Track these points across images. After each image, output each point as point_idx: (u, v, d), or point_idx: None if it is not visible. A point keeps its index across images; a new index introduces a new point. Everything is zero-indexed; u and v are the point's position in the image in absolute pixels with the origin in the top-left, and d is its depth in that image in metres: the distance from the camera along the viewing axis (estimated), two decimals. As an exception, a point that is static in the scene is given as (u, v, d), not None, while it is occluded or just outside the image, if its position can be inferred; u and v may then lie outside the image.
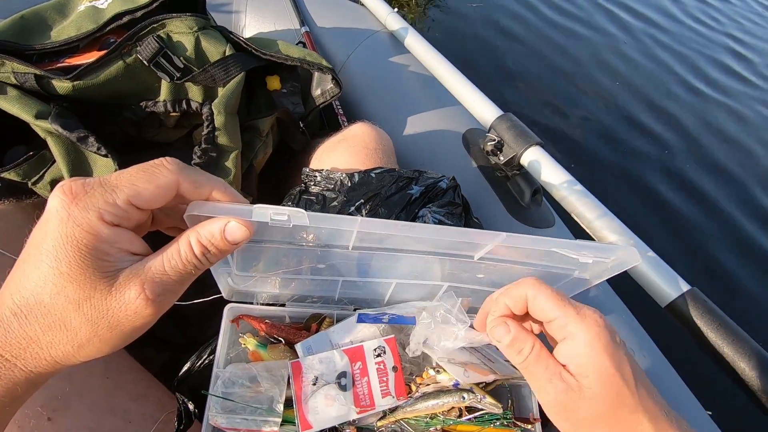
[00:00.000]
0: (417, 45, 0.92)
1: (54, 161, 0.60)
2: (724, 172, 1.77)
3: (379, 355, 0.43)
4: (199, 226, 0.26)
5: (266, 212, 0.27)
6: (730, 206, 1.65)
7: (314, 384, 0.41)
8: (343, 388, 0.41)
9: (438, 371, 0.45)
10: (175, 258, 0.25)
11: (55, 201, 0.23)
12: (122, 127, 0.68)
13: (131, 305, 0.24)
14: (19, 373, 0.24)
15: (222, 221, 0.26)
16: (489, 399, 0.43)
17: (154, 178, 0.24)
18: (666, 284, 0.54)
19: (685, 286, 0.54)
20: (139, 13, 0.61)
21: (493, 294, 0.34)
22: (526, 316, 0.33)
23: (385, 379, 0.42)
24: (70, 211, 0.23)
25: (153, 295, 0.24)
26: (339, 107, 0.87)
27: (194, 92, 0.63)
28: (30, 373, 0.24)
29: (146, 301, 0.24)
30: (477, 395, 0.43)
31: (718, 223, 1.59)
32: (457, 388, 0.44)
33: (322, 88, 0.71)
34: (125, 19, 0.61)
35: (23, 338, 0.23)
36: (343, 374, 0.42)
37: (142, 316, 0.24)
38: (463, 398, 0.42)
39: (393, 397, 0.41)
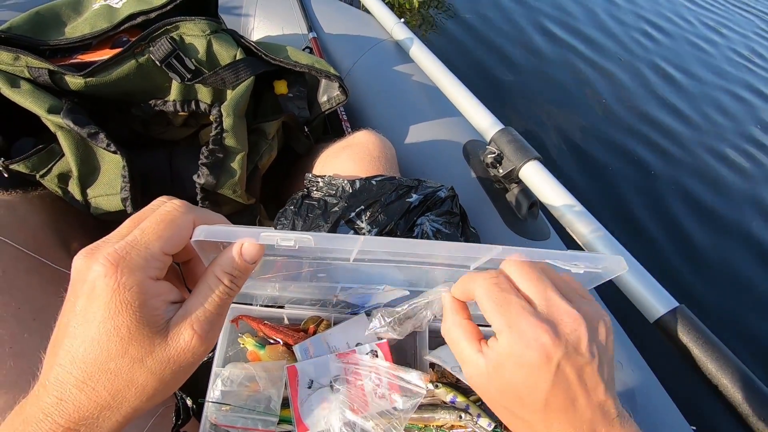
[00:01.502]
0: (422, 55, 0.94)
1: (63, 155, 0.61)
2: (715, 190, 1.80)
3: (372, 359, 0.45)
4: (218, 259, 0.28)
5: (273, 237, 0.28)
6: (720, 225, 1.68)
7: (309, 387, 0.42)
8: (338, 391, 0.42)
9: (436, 386, 0.46)
10: (210, 294, 0.27)
11: (98, 271, 0.23)
12: (130, 124, 0.69)
13: (188, 348, 0.25)
14: None
15: (236, 246, 0.27)
16: (484, 418, 0.44)
17: (174, 223, 0.26)
18: (654, 300, 0.56)
19: (672, 303, 0.56)
20: (153, 14, 0.62)
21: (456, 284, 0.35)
22: None
23: (378, 382, 0.44)
24: (119, 279, 0.23)
25: (203, 332, 0.26)
26: (343, 113, 0.89)
27: (203, 93, 0.65)
28: None
29: (200, 339, 0.25)
30: (473, 416, 0.44)
31: (708, 242, 1.61)
32: (453, 406, 0.45)
33: (328, 94, 0.73)
34: (139, 19, 0.63)
35: (94, 407, 0.24)
36: (337, 378, 0.43)
37: (199, 354, 0.26)
38: (460, 417, 0.44)
39: (387, 399, 0.42)
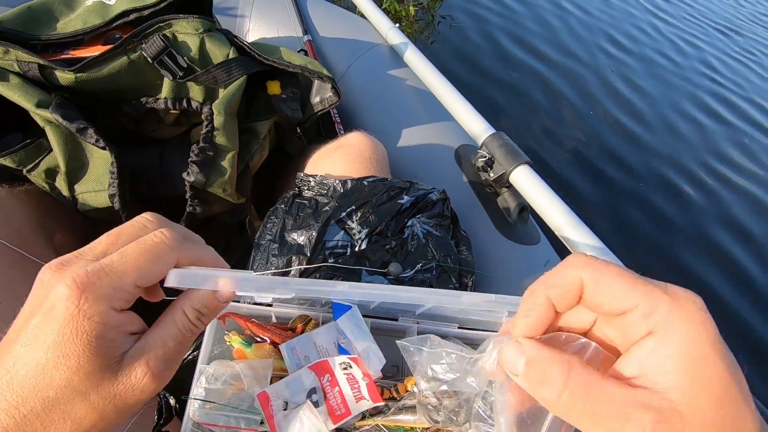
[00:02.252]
0: (416, 60, 0.94)
1: (51, 150, 0.60)
2: (708, 197, 1.82)
3: (346, 368, 0.43)
4: (190, 293, 0.26)
5: (251, 282, 0.26)
6: (709, 237, 1.70)
7: (285, 409, 0.40)
8: (316, 403, 0.41)
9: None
10: (173, 329, 0.25)
11: (61, 292, 0.22)
12: (120, 120, 0.69)
13: (138, 385, 0.23)
14: None
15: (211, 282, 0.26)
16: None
17: (157, 258, 0.24)
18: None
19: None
20: (146, 12, 0.62)
21: (531, 286, 0.23)
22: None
23: (356, 386, 0.42)
24: (80, 305, 0.22)
25: (158, 370, 0.24)
26: (336, 115, 0.89)
27: (195, 92, 0.65)
28: None
29: (153, 378, 0.24)
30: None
31: (699, 251, 1.63)
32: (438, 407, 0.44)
33: (321, 96, 0.73)
34: (132, 16, 0.63)
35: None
36: (313, 390, 0.41)
37: (148, 393, 0.24)
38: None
39: (368, 400, 0.42)
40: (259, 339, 0.46)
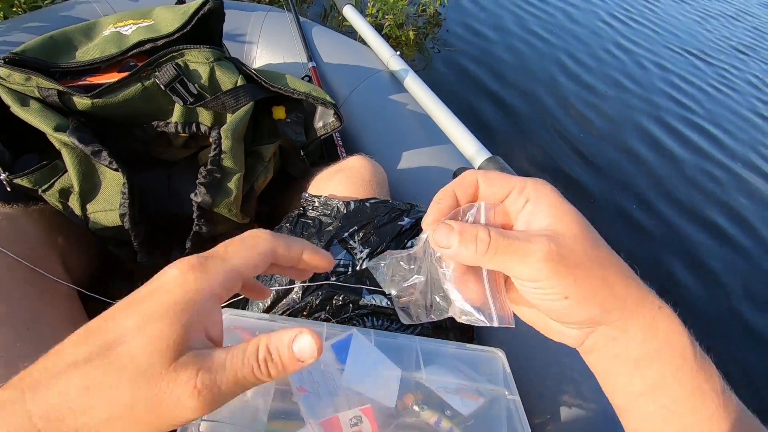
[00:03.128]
0: (415, 86, 0.98)
1: (65, 171, 0.63)
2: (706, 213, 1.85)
3: (355, 424, 0.42)
4: (274, 333, 0.24)
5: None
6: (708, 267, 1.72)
7: None
8: None
9: (422, 408, 0.46)
10: (238, 356, 0.22)
11: (172, 272, 0.23)
12: (131, 143, 0.72)
13: (179, 387, 0.21)
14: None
15: (294, 332, 0.23)
16: None
17: (255, 247, 0.26)
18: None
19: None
20: (161, 42, 0.66)
21: (442, 188, 0.29)
22: None
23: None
24: (186, 278, 0.23)
25: (201, 385, 0.21)
26: (339, 139, 0.92)
27: (204, 117, 0.68)
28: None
29: (193, 389, 0.21)
30: None
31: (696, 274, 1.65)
32: (438, 429, 0.45)
33: (324, 120, 0.76)
34: (147, 46, 0.66)
35: (58, 390, 0.21)
36: None
37: (184, 406, 0.21)
38: None
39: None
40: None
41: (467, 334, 0.61)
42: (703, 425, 0.26)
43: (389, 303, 0.56)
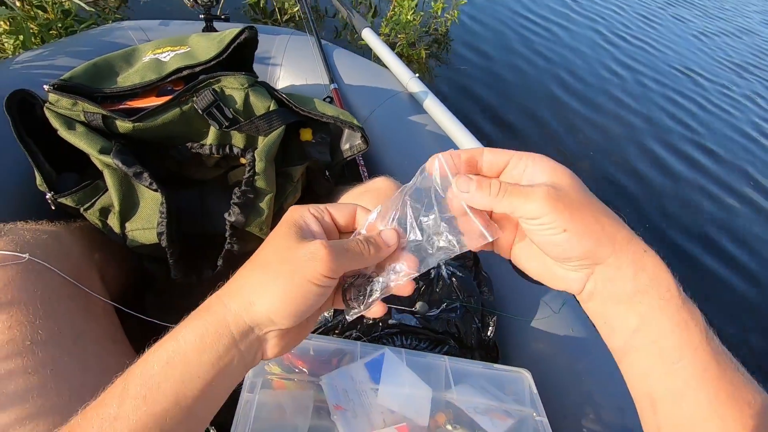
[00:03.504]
0: (434, 107, 1.01)
1: (106, 191, 0.66)
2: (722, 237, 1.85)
3: None
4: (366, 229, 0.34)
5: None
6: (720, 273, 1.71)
7: None
8: None
9: (455, 428, 0.48)
10: (347, 239, 0.33)
11: (290, 209, 0.33)
12: (166, 164, 0.75)
13: (312, 251, 0.29)
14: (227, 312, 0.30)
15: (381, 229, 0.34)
16: None
17: (346, 205, 0.35)
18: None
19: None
20: (198, 69, 0.69)
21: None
22: None
23: None
24: (292, 209, 0.33)
25: (328, 246, 0.30)
26: (361, 159, 0.95)
27: (237, 139, 0.71)
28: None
29: (323, 247, 0.29)
30: None
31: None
32: None
33: (351, 143, 0.79)
34: (185, 72, 0.70)
35: (239, 285, 0.31)
36: None
37: (317, 257, 0.29)
38: None
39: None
40: (297, 370, 0.49)
41: (492, 353, 0.63)
42: (689, 356, 0.28)
43: (417, 322, 0.58)
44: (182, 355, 0.28)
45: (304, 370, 0.49)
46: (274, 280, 0.30)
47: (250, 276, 0.31)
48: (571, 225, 0.29)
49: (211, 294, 0.32)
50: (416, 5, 2.25)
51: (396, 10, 2.28)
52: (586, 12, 3.54)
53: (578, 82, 2.60)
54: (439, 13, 2.48)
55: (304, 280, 0.29)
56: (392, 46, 2.28)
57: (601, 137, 2.25)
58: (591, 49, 3.00)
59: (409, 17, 2.23)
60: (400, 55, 2.25)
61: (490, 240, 0.32)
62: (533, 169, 0.31)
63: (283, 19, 2.22)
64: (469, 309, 0.59)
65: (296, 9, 2.16)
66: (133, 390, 0.27)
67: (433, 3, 2.48)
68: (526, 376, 0.56)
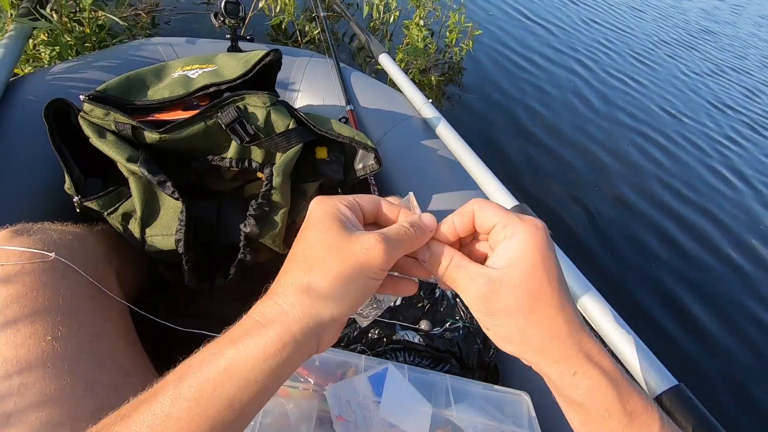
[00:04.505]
0: (446, 132, 1.04)
1: (129, 197, 0.69)
2: (718, 271, 1.84)
3: None
4: (406, 216, 0.36)
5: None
6: (722, 305, 1.70)
7: None
8: None
9: None
10: (394, 226, 0.33)
11: (314, 202, 0.34)
12: (187, 174, 0.78)
13: (369, 245, 0.30)
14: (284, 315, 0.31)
15: (420, 214, 0.36)
16: None
17: (370, 196, 0.36)
18: (654, 377, 0.60)
19: (672, 381, 0.59)
20: (224, 86, 0.73)
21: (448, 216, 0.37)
22: (473, 241, 0.36)
23: None
24: (324, 200, 0.33)
25: (383, 239, 0.31)
26: (372, 178, 0.98)
27: (257, 154, 0.74)
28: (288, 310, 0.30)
29: (378, 242, 0.30)
30: None
31: (714, 320, 1.63)
32: None
33: (364, 163, 0.82)
34: (212, 89, 0.74)
35: (293, 287, 0.31)
36: None
37: (373, 249, 0.30)
38: None
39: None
40: (303, 379, 0.51)
41: (492, 375, 0.64)
42: None
43: (420, 340, 0.60)
44: (242, 363, 0.29)
45: (310, 379, 0.51)
46: (337, 282, 0.30)
47: (309, 277, 0.31)
48: (493, 331, 0.32)
49: (263, 292, 0.32)
50: (426, 35, 2.33)
51: (409, 38, 2.36)
52: (616, 50, 3.61)
53: (593, 116, 2.64)
54: (453, 43, 2.56)
55: (364, 278, 0.31)
56: (405, 71, 2.35)
57: (615, 168, 2.27)
58: (613, 91, 3.06)
59: (420, 46, 2.30)
60: (411, 81, 2.32)
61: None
62: (506, 246, 0.32)
63: (303, 41, 2.30)
64: (472, 330, 0.60)
65: (316, 32, 2.25)
66: (186, 392, 0.28)
67: (448, 33, 2.56)
68: (526, 399, 0.57)
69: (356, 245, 0.30)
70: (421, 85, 2.38)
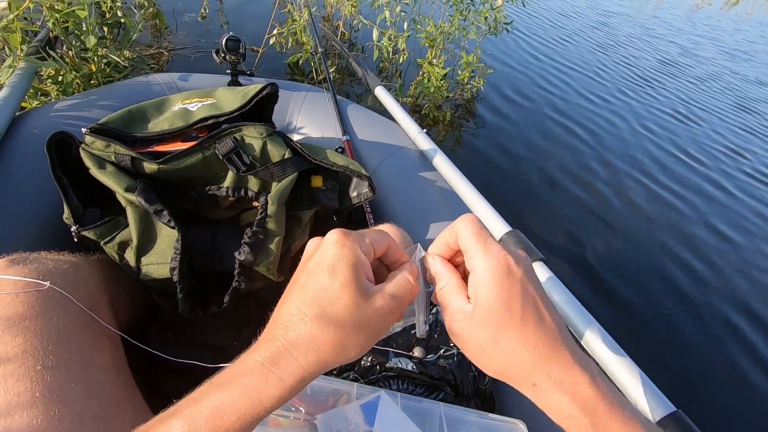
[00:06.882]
0: (440, 161, 1.07)
1: (126, 226, 0.70)
2: (716, 296, 1.82)
3: None
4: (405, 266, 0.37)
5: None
6: (721, 330, 1.67)
7: None
8: None
9: None
10: (397, 280, 0.34)
11: (333, 237, 0.33)
12: (184, 203, 0.79)
13: (381, 311, 0.32)
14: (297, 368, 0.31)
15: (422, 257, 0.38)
16: None
17: (382, 234, 0.37)
18: (652, 404, 0.59)
19: (670, 408, 0.58)
20: (222, 118, 0.76)
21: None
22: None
23: None
24: (344, 242, 0.33)
25: (395, 302, 0.33)
26: (368, 207, 0.99)
27: (252, 183, 0.75)
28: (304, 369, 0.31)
29: (391, 309, 0.32)
30: None
31: (710, 347, 1.61)
32: None
33: (358, 191, 0.84)
34: (210, 121, 0.76)
35: (305, 335, 0.31)
36: None
37: (387, 309, 0.32)
38: None
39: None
40: (293, 408, 0.50)
41: (488, 403, 0.63)
42: None
43: (414, 367, 0.59)
44: (259, 413, 0.30)
45: (301, 408, 0.50)
46: (353, 344, 0.32)
47: (324, 333, 0.31)
48: (468, 353, 0.35)
49: (265, 321, 0.34)
50: (446, 74, 2.41)
51: (425, 76, 2.44)
52: (613, 81, 3.71)
53: (601, 153, 2.68)
54: (465, 81, 2.64)
55: (376, 336, 0.33)
56: (419, 108, 2.43)
57: (615, 205, 2.29)
58: (619, 129, 3.12)
59: (437, 83, 2.38)
60: (425, 116, 2.39)
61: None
62: (473, 277, 0.34)
63: (318, 79, 2.36)
64: (466, 357, 0.60)
65: (332, 70, 2.32)
66: (178, 427, 0.29)
67: (460, 71, 2.65)
68: (521, 427, 0.55)
69: (371, 309, 0.32)
70: (436, 121, 2.44)
